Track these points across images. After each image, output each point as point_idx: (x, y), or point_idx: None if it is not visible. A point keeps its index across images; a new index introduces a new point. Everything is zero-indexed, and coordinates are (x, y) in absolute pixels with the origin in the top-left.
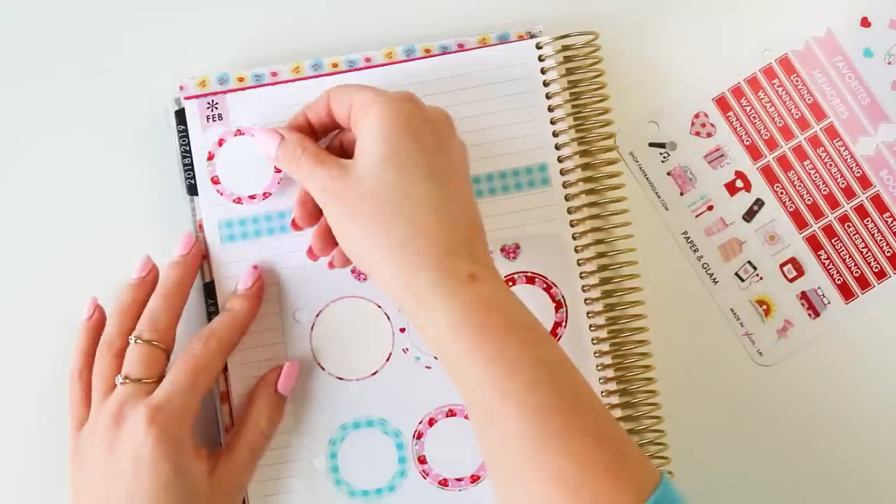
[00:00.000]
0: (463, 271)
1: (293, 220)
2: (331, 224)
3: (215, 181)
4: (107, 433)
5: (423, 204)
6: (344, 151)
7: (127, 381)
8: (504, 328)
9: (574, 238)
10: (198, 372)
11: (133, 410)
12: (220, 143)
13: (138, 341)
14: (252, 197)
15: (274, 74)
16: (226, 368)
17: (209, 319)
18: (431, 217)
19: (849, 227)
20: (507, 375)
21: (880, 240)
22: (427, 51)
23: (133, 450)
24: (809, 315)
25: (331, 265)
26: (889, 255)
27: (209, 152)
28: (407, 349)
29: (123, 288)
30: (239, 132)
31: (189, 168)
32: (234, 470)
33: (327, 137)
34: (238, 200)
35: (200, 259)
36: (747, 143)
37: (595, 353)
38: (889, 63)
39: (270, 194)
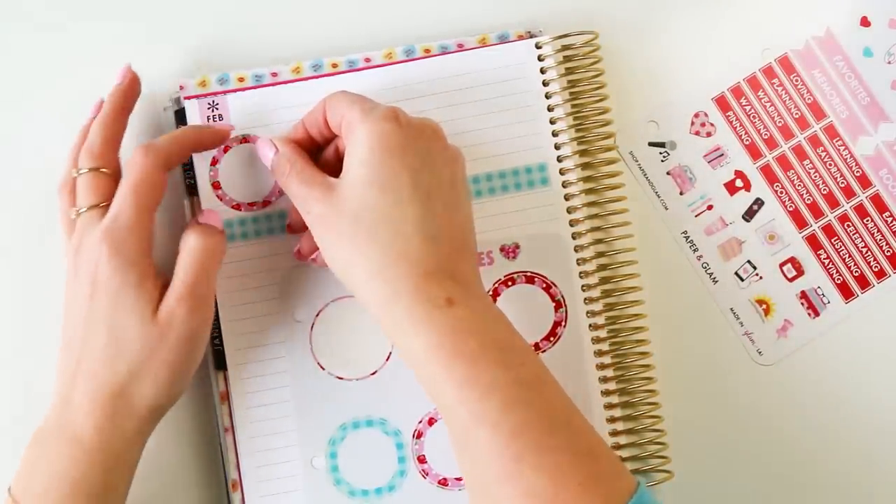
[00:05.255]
0: (440, 296)
1: (288, 224)
2: (316, 242)
3: (216, 186)
4: (71, 265)
5: (404, 227)
6: (339, 159)
7: (81, 212)
8: (479, 352)
9: (574, 238)
10: (138, 185)
11: (89, 236)
12: (226, 149)
13: (81, 172)
14: (252, 205)
15: (274, 75)
16: (225, 368)
17: None
18: (411, 240)
19: (848, 226)
20: (481, 399)
21: (880, 239)
22: (427, 51)
23: (90, 271)
24: (809, 315)
25: (313, 261)
26: (889, 254)
27: (213, 157)
28: None
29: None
30: (244, 140)
31: (189, 168)
32: (171, 304)
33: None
34: (237, 207)
35: (137, 87)
36: (747, 143)
37: (595, 352)
38: (889, 63)
39: (270, 202)
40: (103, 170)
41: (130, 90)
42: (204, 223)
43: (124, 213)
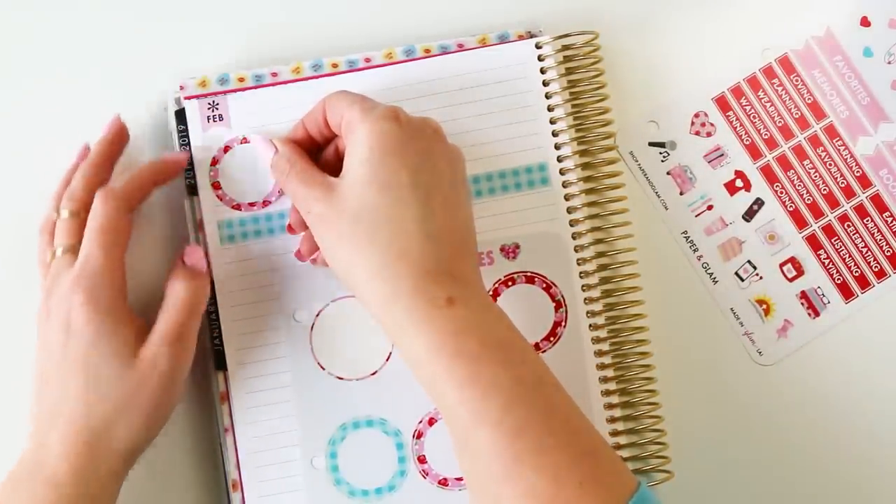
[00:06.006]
0: (440, 295)
1: (288, 224)
2: (316, 241)
3: (216, 186)
4: (44, 307)
5: (404, 227)
6: (339, 159)
7: (56, 253)
8: (480, 351)
9: (574, 238)
10: (104, 232)
11: (61, 279)
12: (226, 149)
13: (62, 215)
14: (252, 205)
15: (274, 75)
16: (225, 368)
17: (209, 320)
18: (411, 240)
19: (848, 226)
20: (482, 398)
21: (880, 239)
22: (427, 51)
23: (62, 318)
24: (809, 315)
25: (313, 261)
26: (889, 254)
27: (213, 157)
28: None
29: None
30: (245, 140)
31: (189, 168)
32: (155, 344)
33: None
34: (237, 207)
35: (123, 136)
36: (747, 143)
37: (595, 352)
38: (889, 63)
39: (270, 202)
40: (83, 214)
41: (117, 141)
42: (190, 265)
43: (93, 257)
